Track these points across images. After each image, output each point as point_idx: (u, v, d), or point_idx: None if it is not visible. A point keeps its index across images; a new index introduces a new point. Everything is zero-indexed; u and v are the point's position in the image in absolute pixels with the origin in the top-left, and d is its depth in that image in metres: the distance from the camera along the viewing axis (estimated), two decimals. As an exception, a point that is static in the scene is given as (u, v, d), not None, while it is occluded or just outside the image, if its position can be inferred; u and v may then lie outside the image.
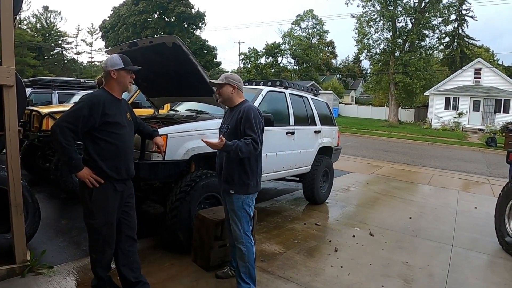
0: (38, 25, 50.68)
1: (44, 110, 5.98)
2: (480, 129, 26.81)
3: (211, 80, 3.01)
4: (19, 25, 40.35)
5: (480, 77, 29.11)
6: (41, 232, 3.89)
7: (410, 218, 5.70)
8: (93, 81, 11.13)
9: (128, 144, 2.66)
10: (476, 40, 42.40)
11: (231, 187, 2.89)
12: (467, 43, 42.23)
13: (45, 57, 48.71)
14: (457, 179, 9.79)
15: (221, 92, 2.97)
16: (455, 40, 41.33)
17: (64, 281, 3.08)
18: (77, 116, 2.40)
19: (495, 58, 47.18)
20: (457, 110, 28.56)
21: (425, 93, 31.66)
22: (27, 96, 6.28)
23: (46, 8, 51.38)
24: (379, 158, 13.09)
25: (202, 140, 2.70)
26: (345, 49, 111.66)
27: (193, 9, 43.19)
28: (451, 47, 42.05)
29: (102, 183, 2.50)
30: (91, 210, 2.54)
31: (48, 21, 51.60)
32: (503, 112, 26.92)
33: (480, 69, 29.28)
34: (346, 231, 4.92)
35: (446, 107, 29.28)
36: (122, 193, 2.63)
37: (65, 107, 6.43)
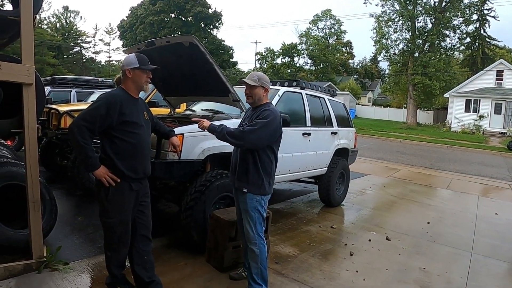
0: (58, 24, 51.80)
1: (63, 108, 6.08)
2: (502, 133, 26.11)
3: (244, 80, 2.96)
4: (40, 25, 41.26)
5: (502, 79, 28.36)
6: (58, 228, 3.94)
7: (428, 223, 5.57)
8: (110, 80, 11.29)
9: (145, 143, 2.66)
10: (498, 41, 41.39)
11: (244, 185, 2.88)
12: (489, 43, 41.23)
13: (64, 56, 49.73)
14: (477, 183, 9.55)
15: (254, 93, 2.93)
16: (477, 41, 40.38)
17: (79, 278, 3.10)
18: (94, 115, 2.41)
19: (518, 60, 45.93)
20: (478, 112, 27.85)
21: (444, 95, 31.03)
22: (46, 94, 6.39)
23: (66, 8, 52.54)
24: (396, 160, 12.88)
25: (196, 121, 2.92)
26: (363, 49, 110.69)
27: (210, 9, 43.39)
28: (472, 47, 41.10)
29: (118, 182, 2.50)
30: (107, 208, 2.55)
31: (68, 21, 52.66)
32: (526, 115, 26.17)
33: (502, 71, 28.52)
34: (362, 234, 4.84)
35: (467, 109, 28.60)
36: (137, 192, 2.64)
37: (83, 106, 6.53)
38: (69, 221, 4.62)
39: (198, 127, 2.90)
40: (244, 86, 2.98)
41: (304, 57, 55.21)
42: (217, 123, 2.89)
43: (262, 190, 2.89)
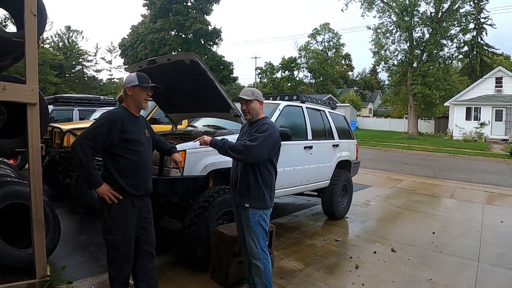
0: (60, 44, 52.43)
1: (65, 126, 6.12)
2: (504, 139, 26.05)
3: (240, 96, 3.00)
4: (42, 44, 41.83)
5: (501, 86, 28.43)
6: (61, 247, 3.93)
7: (433, 233, 5.53)
8: (112, 98, 11.38)
9: (147, 160, 2.69)
10: (496, 49, 41.62)
11: (246, 200, 2.88)
12: (486, 51, 41.46)
13: (66, 75, 50.19)
14: (481, 191, 9.49)
15: (250, 108, 2.96)
16: (474, 49, 40.64)
17: (84, 298, 3.08)
18: (96, 134, 2.44)
19: (516, 67, 46.14)
20: (479, 120, 27.84)
21: (445, 104, 31.07)
22: (49, 113, 6.45)
23: (68, 28, 53.23)
24: (399, 171, 12.85)
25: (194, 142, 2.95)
26: (362, 61, 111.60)
27: (209, 26, 43.88)
28: (470, 56, 41.35)
29: (120, 199, 2.51)
30: (110, 226, 2.55)
31: (70, 40, 53.33)
32: (527, 122, 26.14)
33: (501, 78, 28.62)
34: (367, 247, 4.80)
35: (467, 117, 28.61)
36: (140, 209, 2.64)
37: (86, 124, 6.57)
38: (72, 239, 4.61)
39: (200, 144, 2.94)
40: None
41: (303, 70, 55.58)
42: (219, 138, 2.91)
43: (264, 204, 2.89)
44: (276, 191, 3.58)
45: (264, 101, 5.12)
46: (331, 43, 58.25)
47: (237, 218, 3.10)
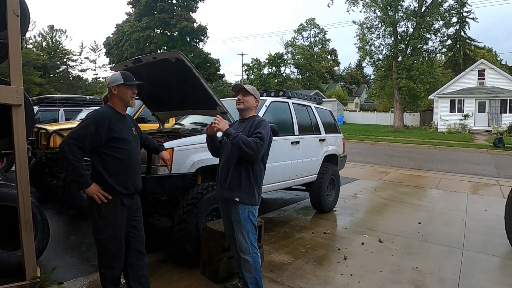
0: (44, 43, 51.50)
1: (51, 127, 6.07)
2: (487, 131, 26.60)
3: (240, 84, 3.05)
4: (25, 45, 41.03)
5: (484, 78, 29.01)
6: (51, 248, 3.92)
7: (419, 223, 5.66)
8: (98, 97, 11.27)
9: (135, 158, 2.70)
10: (478, 42, 42.39)
11: (236, 194, 2.87)
12: (469, 45, 42.19)
13: (51, 75, 49.39)
14: (466, 181, 9.71)
15: (246, 100, 3.00)
16: (457, 43, 41.32)
17: (75, 297, 3.09)
18: (84, 134, 2.45)
19: (498, 59, 47.03)
20: (463, 112, 28.40)
21: (429, 97, 31.57)
22: (35, 114, 6.38)
23: (51, 27, 52.29)
24: (385, 164, 13.04)
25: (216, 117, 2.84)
26: (348, 56, 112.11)
27: (195, 23, 43.57)
28: (453, 49, 42.02)
29: (110, 198, 2.53)
30: (99, 225, 2.56)
31: (53, 40, 52.42)
32: (509, 112, 26.72)
33: (483, 70, 29.20)
34: (354, 238, 4.89)
35: (451, 109, 29.13)
36: (129, 207, 2.66)
37: (72, 124, 6.52)
38: (62, 240, 4.60)
39: (215, 129, 2.86)
40: (231, 99, 3.05)
41: (290, 66, 55.74)
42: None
43: (253, 200, 2.92)
44: (264, 186, 3.64)
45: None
46: (317, 38, 58.50)
47: (225, 215, 3.11)
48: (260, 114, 4.68)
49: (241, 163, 2.87)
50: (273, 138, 3.14)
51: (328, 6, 34.68)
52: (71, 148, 2.40)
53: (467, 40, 41.76)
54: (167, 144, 3.58)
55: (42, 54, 47.99)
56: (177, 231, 3.60)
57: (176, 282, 3.43)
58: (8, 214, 3.36)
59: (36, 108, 8.62)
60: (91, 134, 2.45)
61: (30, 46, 46.75)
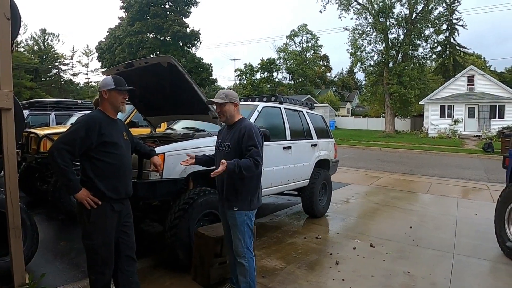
0: (36, 47, 51.03)
1: (42, 132, 6.01)
2: (477, 136, 26.95)
3: (212, 100, 3.01)
4: (17, 48, 40.70)
5: (473, 84, 29.42)
6: (40, 254, 3.87)
7: (411, 227, 5.69)
8: (90, 102, 11.19)
9: (126, 163, 2.67)
10: (467, 48, 43.01)
11: (234, 204, 2.90)
12: (459, 51, 42.79)
13: (42, 79, 48.88)
14: (456, 186, 9.80)
15: (224, 111, 2.96)
16: (447, 49, 41.88)
17: (64, 304, 3.05)
18: (74, 138, 2.42)
19: (487, 65, 47.79)
20: (453, 117, 28.75)
21: (420, 102, 31.93)
22: (25, 118, 6.32)
23: (43, 31, 51.85)
24: (377, 168, 13.11)
25: (211, 175, 2.69)
26: (340, 62, 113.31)
27: (188, 28, 43.64)
28: (443, 56, 42.57)
29: (99, 204, 2.50)
30: (89, 230, 2.53)
31: (45, 44, 51.98)
32: (498, 118, 27.11)
33: (473, 76, 29.62)
34: (346, 243, 4.90)
35: (442, 115, 29.49)
36: (120, 213, 2.63)
37: (63, 129, 6.46)
38: (51, 246, 4.54)
39: (218, 171, 2.68)
40: None
41: (282, 71, 56.00)
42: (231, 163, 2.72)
43: (252, 205, 2.94)
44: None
45: (243, 103, 5.21)
46: (309, 44, 58.86)
47: (223, 218, 3.12)
48: (252, 119, 4.69)
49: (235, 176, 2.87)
50: (265, 143, 3.15)
51: (320, 12, 34.95)
52: (61, 153, 2.37)
53: (457, 47, 42.36)
54: (158, 149, 3.57)
55: (33, 57, 47.51)
56: (169, 237, 3.57)
57: (168, 288, 3.41)
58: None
59: (26, 112, 8.53)
60: (81, 139, 2.43)
61: (22, 49, 46.28)
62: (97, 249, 2.54)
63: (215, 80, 48.08)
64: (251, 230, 2.97)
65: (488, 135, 24.85)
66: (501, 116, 27.15)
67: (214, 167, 3.13)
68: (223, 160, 2.67)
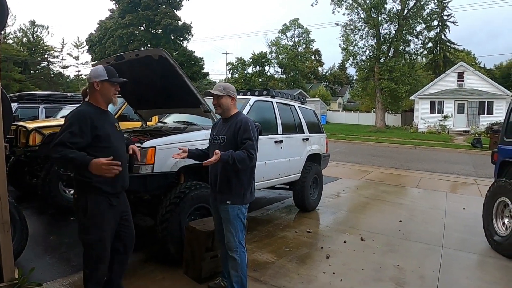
0: (25, 39, 50.17)
1: (31, 125, 5.93)
2: (466, 131, 27.26)
3: (210, 91, 2.99)
4: (5, 40, 39.94)
5: (463, 80, 29.67)
6: (29, 249, 3.83)
7: (400, 221, 5.76)
8: (80, 94, 11.03)
9: (121, 155, 2.61)
10: (458, 45, 43.38)
11: (227, 197, 2.89)
12: (449, 47, 43.11)
13: (31, 72, 48.17)
14: (445, 181, 9.93)
15: (221, 103, 2.95)
16: (438, 45, 42.16)
17: (54, 299, 3.03)
18: (67, 136, 2.35)
19: (477, 62, 48.26)
20: (442, 113, 29.02)
21: (410, 98, 32.13)
22: (13, 111, 6.22)
23: (32, 23, 50.97)
24: (367, 163, 13.21)
25: (204, 164, 2.71)
26: (331, 57, 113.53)
27: (179, 21, 43.24)
28: (434, 52, 42.86)
29: (119, 165, 2.36)
30: (86, 225, 2.50)
31: (34, 36, 51.13)
32: (487, 114, 27.42)
33: (463, 73, 29.86)
34: (337, 237, 4.94)
35: (432, 110, 29.73)
36: (117, 208, 2.61)
37: (52, 122, 6.39)
38: (41, 241, 4.50)
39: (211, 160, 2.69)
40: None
41: (274, 65, 55.86)
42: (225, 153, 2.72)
43: (245, 199, 2.94)
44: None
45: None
46: (301, 38, 58.75)
47: (215, 212, 3.12)
48: (244, 112, 4.67)
49: (230, 170, 2.86)
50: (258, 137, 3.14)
51: (312, 6, 34.82)
52: (57, 150, 2.31)
53: (447, 43, 42.67)
54: (149, 143, 3.56)
55: (22, 50, 46.80)
56: (160, 231, 3.56)
57: (159, 282, 3.41)
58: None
59: (15, 105, 8.39)
60: (76, 135, 2.36)
61: (10, 41, 45.51)
62: (93, 244, 2.52)
63: (207, 74, 47.85)
64: (243, 224, 2.98)
65: (477, 131, 25.16)
66: (490, 112, 27.46)
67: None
68: (217, 151, 2.67)
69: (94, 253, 2.54)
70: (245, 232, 3.05)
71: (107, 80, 2.56)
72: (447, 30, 41.12)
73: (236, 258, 2.91)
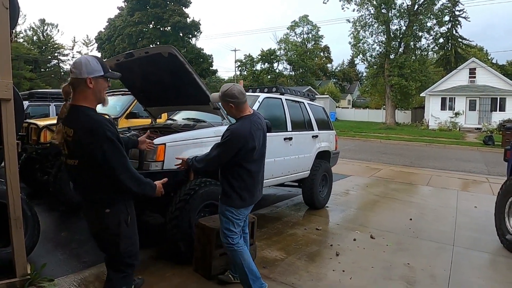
0: (35, 38, 50.79)
1: (42, 122, 5.98)
2: (477, 128, 26.91)
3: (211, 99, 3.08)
4: (16, 39, 40.46)
5: (475, 77, 29.30)
6: (41, 245, 3.87)
7: (411, 219, 5.70)
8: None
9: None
10: (470, 41, 42.82)
11: (220, 195, 3.05)
12: (461, 43, 42.58)
13: (42, 70, 48.78)
14: (456, 179, 9.81)
15: (223, 107, 3.04)
16: (449, 41, 41.66)
17: (66, 294, 3.06)
18: (121, 155, 2.16)
19: (489, 57, 47.56)
20: (454, 110, 28.68)
21: (421, 95, 31.84)
22: (25, 109, 6.29)
23: (42, 21, 51.54)
24: (377, 160, 13.11)
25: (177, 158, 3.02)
26: (341, 53, 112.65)
27: (188, 18, 43.41)
28: (445, 48, 42.36)
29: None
30: (128, 235, 2.32)
31: (44, 34, 51.70)
32: (499, 111, 27.06)
33: (474, 69, 29.48)
34: (347, 235, 4.91)
35: (443, 107, 29.41)
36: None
37: (63, 119, 6.42)
38: (52, 237, 4.54)
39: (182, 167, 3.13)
40: None
41: (283, 62, 55.75)
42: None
43: (230, 201, 2.92)
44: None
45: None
46: (310, 35, 58.52)
47: None
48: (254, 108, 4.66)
49: (221, 171, 3.01)
50: (267, 134, 3.14)
51: (324, 2, 34.63)
52: (131, 175, 2.20)
53: (459, 39, 42.15)
54: (159, 140, 3.56)
55: (33, 48, 47.36)
56: (170, 228, 3.57)
57: (169, 279, 3.42)
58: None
59: (26, 103, 8.49)
60: (118, 149, 2.15)
61: (21, 40, 46.12)
62: (133, 250, 2.39)
63: (216, 71, 48.04)
64: (231, 222, 2.93)
65: (488, 128, 24.82)
66: (502, 109, 27.10)
67: None
68: (183, 157, 3.05)
69: (133, 258, 2.41)
70: (237, 230, 2.98)
71: (102, 76, 2.16)
72: (458, 26, 40.62)
73: (228, 253, 3.04)
